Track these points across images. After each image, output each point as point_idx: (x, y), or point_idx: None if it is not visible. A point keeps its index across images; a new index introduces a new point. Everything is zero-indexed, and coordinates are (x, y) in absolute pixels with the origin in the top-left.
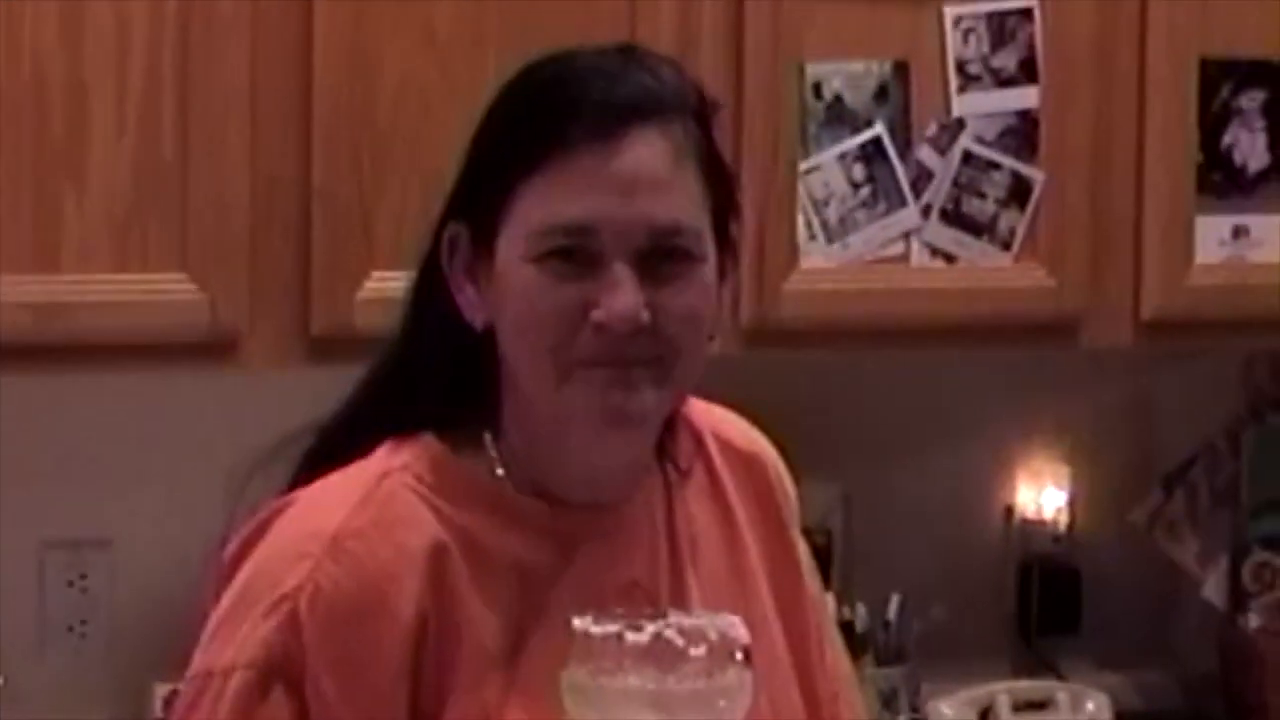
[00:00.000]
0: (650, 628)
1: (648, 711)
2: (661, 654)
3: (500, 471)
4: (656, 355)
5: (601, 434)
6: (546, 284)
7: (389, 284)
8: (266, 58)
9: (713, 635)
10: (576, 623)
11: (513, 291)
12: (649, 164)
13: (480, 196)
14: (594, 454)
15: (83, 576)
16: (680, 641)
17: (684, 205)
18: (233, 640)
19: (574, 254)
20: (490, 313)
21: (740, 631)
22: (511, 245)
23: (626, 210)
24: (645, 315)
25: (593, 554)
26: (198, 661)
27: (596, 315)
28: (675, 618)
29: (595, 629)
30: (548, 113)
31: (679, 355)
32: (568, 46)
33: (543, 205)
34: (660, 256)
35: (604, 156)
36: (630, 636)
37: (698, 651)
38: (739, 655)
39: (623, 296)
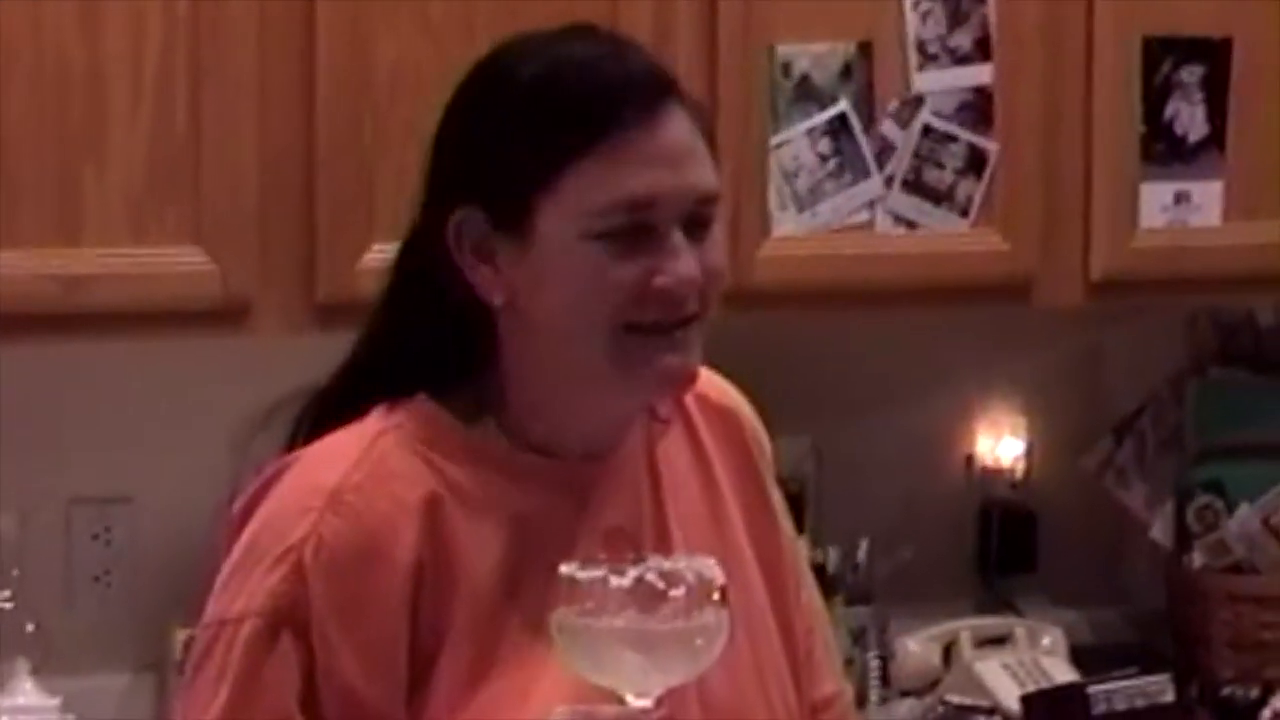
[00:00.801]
0: (632, 571)
1: (631, 650)
2: (643, 596)
3: (494, 428)
4: (697, 314)
5: (660, 395)
6: (608, 259)
7: (389, 254)
8: (273, 44)
9: (690, 577)
10: (563, 569)
11: (569, 269)
12: (686, 136)
13: (511, 179)
14: (625, 417)
15: (107, 530)
16: (661, 584)
17: (711, 172)
18: (242, 590)
19: (633, 227)
20: (512, 290)
21: (716, 573)
22: (562, 224)
23: (678, 181)
24: (699, 276)
25: (582, 502)
26: (210, 611)
27: (662, 281)
28: (655, 561)
29: (581, 574)
30: (594, 92)
31: (709, 310)
32: (525, 33)
33: (600, 184)
34: (697, 223)
35: (651, 132)
36: (614, 580)
37: (677, 593)
38: (716, 596)
39: (684, 263)
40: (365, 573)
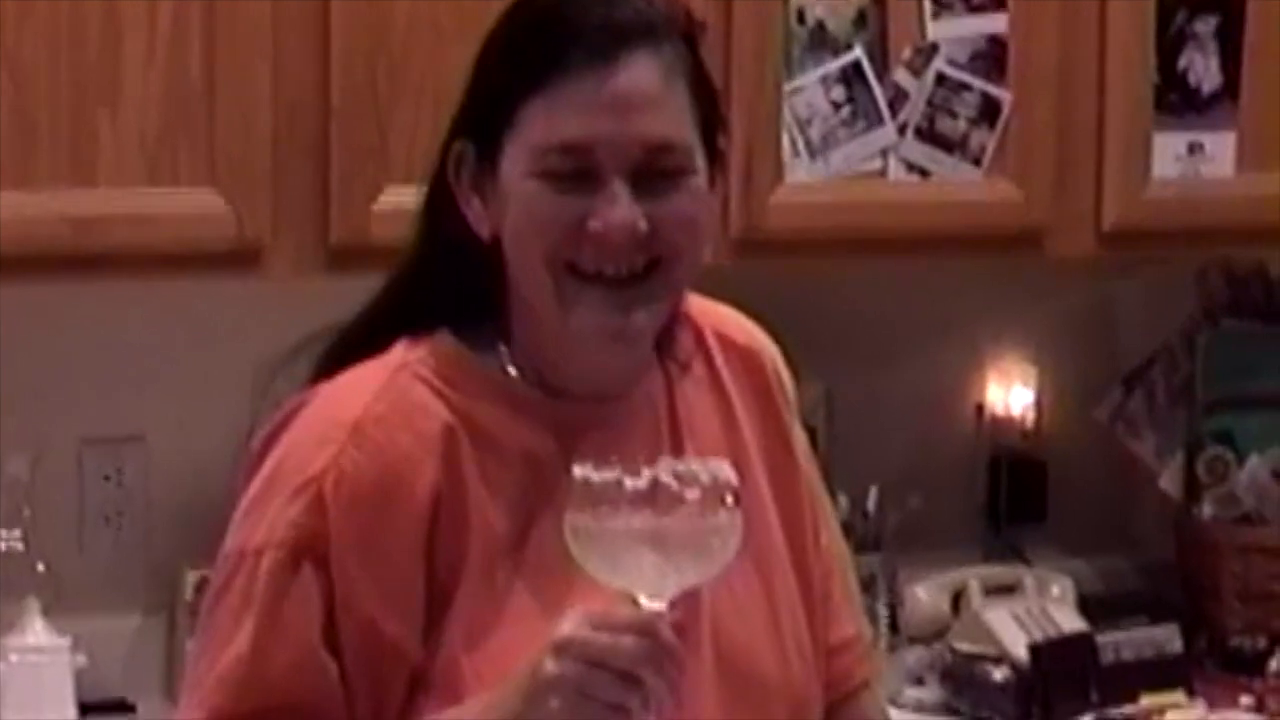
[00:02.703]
0: (647, 473)
1: (648, 550)
2: (658, 497)
3: (510, 368)
4: (654, 259)
5: (602, 351)
6: (546, 196)
7: (402, 198)
8: None
9: (705, 478)
10: (577, 471)
11: (515, 204)
12: (642, 84)
13: (485, 115)
14: (595, 362)
15: (119, 471)
16: (675, 485)
17: (675, 122)
18: (263, 522)
19: (573, 171)
20: (495, 224)
21: (729, 474)
22: (514, 161)
23: (622, 129)
24: (643, 225)
25: (597, 442)
26: (230, 542)
27: (594, 225)
28: (668, 463)
29: (595, 476)
30: (548, 36)
31: (678, 257)
32: None
33: (543, 124)
34: (655, 172)
35: (600, 78)
36: (629, 481)
37: (692, 494)
38: (729, 498)
39: (619, 209)
40: (385, 506)
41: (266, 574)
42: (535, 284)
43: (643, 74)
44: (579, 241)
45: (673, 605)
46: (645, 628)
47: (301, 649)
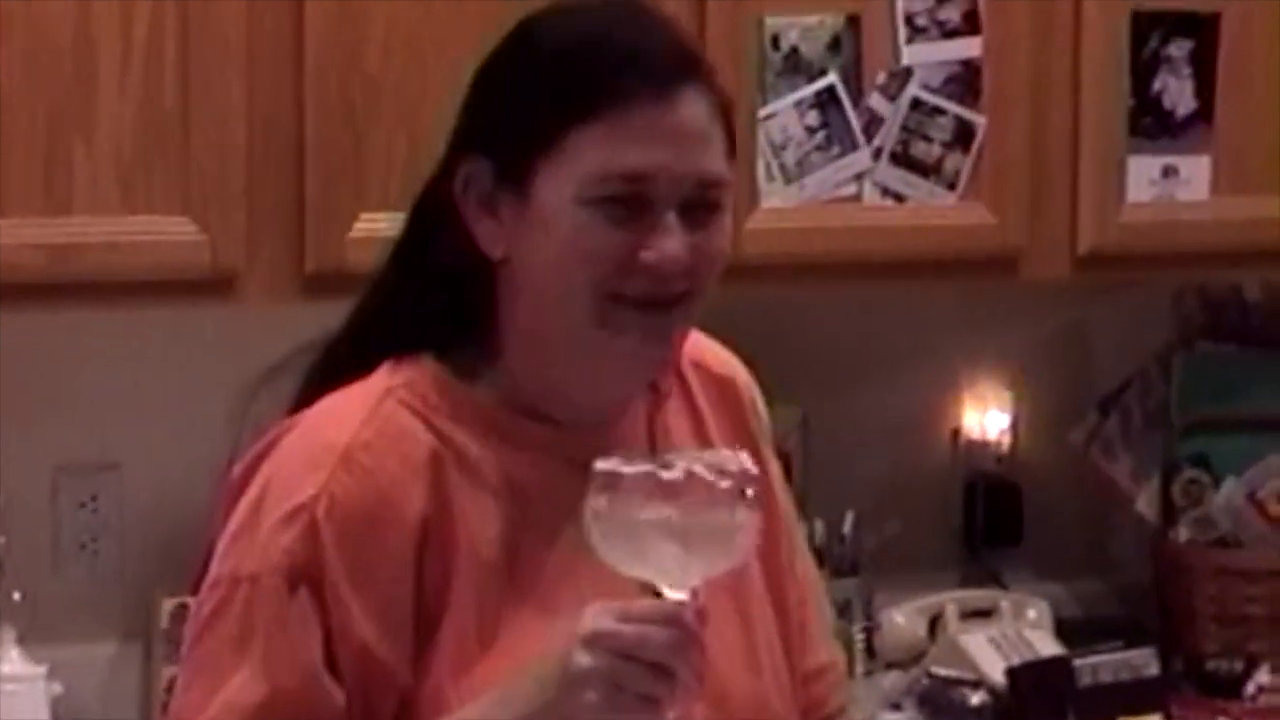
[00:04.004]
0: (680, 464)
1: (673, 541)
2: (688, 489)
3: (493, 391)
4: (687, 293)
5: (631, 376)
6: (599, 225)
7: (377, 225)
8: (261, 14)
9: (733, 468)
10: (602, 464)
11: (559, 230)
12: (698, 119)
13: (517, 137)
14: (612, 389)
15: (94, 498)
16: (710, 476)
17: (721, 159)
18: (254, 547)
19: (627, 200)
20: (511, 245)
21: (750, 465)
22: (559, 186)
23: (680, 162)
24: (687, 257)
25: (581, 472)
26: (219, 568)
27: (647, 256)
28: (692, 454)
29: (626, 468)
30: (606, 65)
31: (702, 294)
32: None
33: (601, 152)
34: (699, 206)
35: (661, 110)
36: (663, 474)
37: (724, 484)
38: (750, 490)
39: (674, 241)
40: (376, 532)
41: (265, 601)
42: (571, 307)
43: (698, 109)
44: (627, 272)
45: (694, 594)
46: (671, 618)
47: (308, 674)
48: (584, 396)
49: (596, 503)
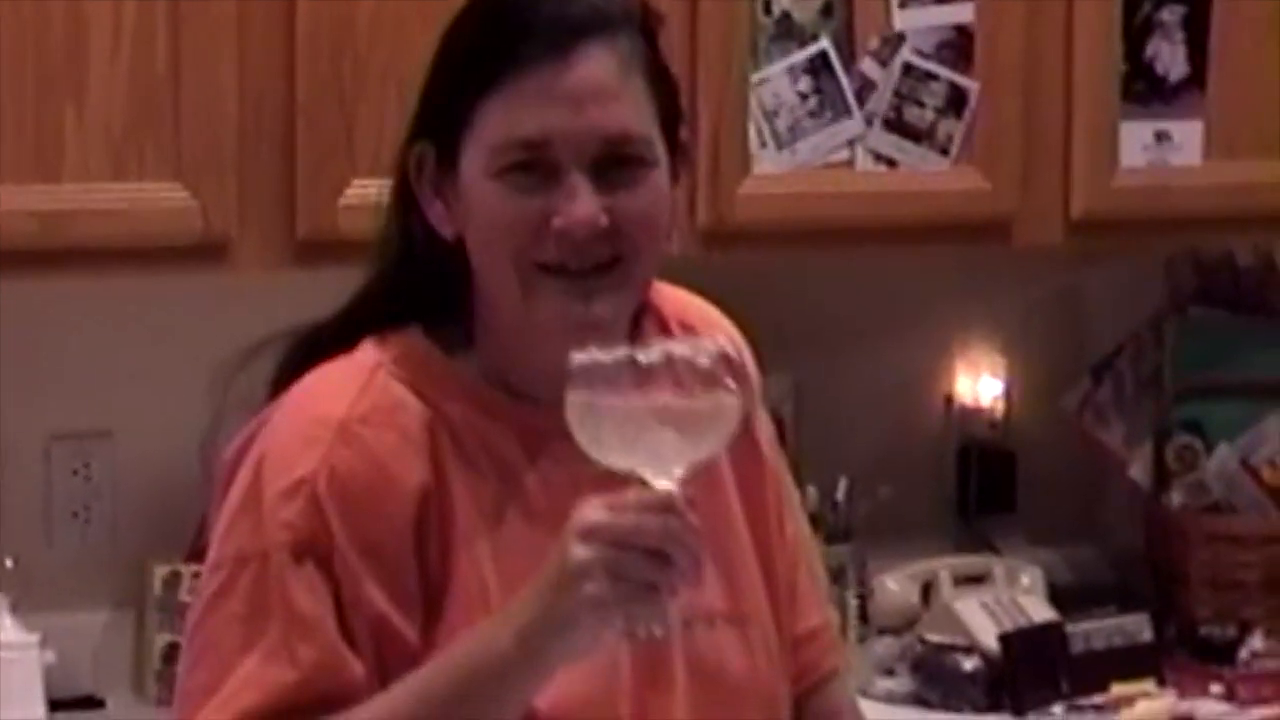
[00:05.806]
0: (658, 348)
1: (661, 427)
2: (666, 375)
3: (474, 368)
4: (616, 256)
5: (566, 341)
6: (507, 196)
7: (369, 191)
8: None
9: (711, 349)
10: (580, 357)
11: (477, 205)
12: (597, 77)
13: (442, 117)
14: (559, 357)
15: (86, 466)
16: (690, 354)
17: (633, 114)
18: (256, 525)
19: (532, 167)
20: (458, 226)
21: (727, 347)
22: (473, 162)
23: (578, 122)
24: (604, 219)
25: (562, 451)
26: (220, 548)
27: (557, 222)
28: (667, 343)
29: (605, 356)
30: (500, 34)
31: (637, 254)
32: None
33: (499, 123)
34: (614, 164)
35: (554, 73)
36: (641, 357)
37: (702, 363)
38: (727, 379)
39: (581, 203)
40: (379, 504)
41: (276, 575)
42: (501, 282)
43: (598, 67)
44: (543, 239)
45: (682, 483)
46: (664, 505)
47: (326, 646)
48: (542, 369)
49: (578, 396)
